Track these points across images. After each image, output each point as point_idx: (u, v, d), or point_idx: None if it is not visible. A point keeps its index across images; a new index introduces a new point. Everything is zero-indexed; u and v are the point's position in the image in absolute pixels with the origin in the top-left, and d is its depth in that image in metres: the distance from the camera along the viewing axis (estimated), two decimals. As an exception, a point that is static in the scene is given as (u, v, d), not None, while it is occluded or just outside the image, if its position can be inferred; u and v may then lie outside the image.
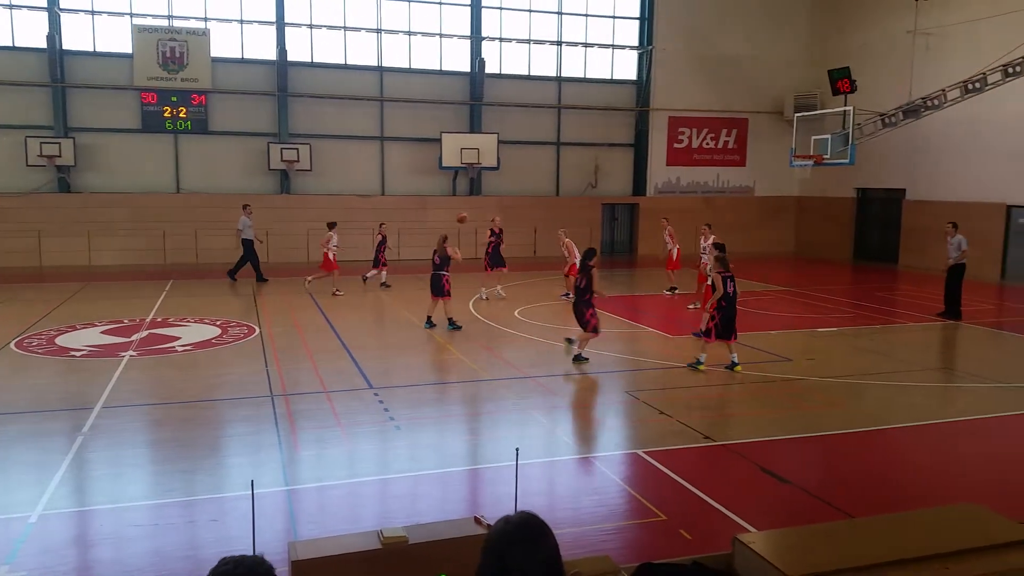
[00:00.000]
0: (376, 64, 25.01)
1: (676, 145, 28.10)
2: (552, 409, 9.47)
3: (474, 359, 11.88)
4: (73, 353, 11.87)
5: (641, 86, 27.60)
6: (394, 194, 25.47)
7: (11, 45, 22.00)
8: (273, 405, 9.27)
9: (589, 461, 7.61)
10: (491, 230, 18.04)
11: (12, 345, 12.21)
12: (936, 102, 20.60)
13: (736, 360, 11.08)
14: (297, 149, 23.80)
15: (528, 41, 26.37)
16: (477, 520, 4.38)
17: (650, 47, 27.15)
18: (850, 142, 21.42)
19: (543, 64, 26.77)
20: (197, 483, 7.07)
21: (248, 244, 19.55)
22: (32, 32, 22.10)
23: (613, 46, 27.29)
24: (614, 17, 27.22)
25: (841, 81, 22.12)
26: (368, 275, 18.82)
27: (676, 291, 17.97)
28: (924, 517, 3.48)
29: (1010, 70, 18.89)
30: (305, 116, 24.45)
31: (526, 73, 26.53)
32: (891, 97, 22.84)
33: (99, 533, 6.20)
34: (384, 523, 5.89)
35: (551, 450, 8.11)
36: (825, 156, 22.14)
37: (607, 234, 27.96)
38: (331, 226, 18.16)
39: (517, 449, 5.07)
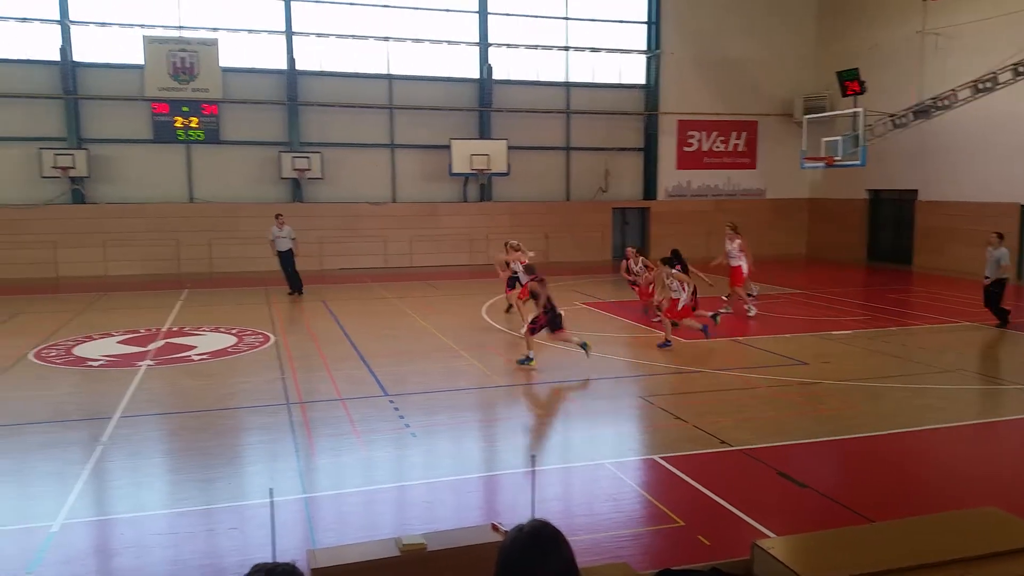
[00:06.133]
0: (385, 72, 25.12)
1: (686, 148, 28.09)
2: (567, 415, 9.48)
3: (488, 365, 11.90)
4: (91, 363, 11.97)
5: (650, 90, 27.61)
6: (405, 201, 25.56)
7: (25, 58, 22.23)
8: (289, 413, 9.32)
9: (605, 467, 7.61)
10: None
11: (31, 356, 12.32)
12: (947, 102, 20.53)
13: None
14: (308, 158, 23.92)
15: (536, 47, 26.42)
16: (495, 527, 4.41)
17: (658, 51, 27.16)
18: (860, 143, 21.36)
19: (551, 69, 26.82)
20: (216, 492, 7.12)
21: (279, 255, 18.80)
22: (44, 45, 22.32)
23: (621, 50, 27.31)
24: (621, 22, 27.25)
25: (850, 82, 22.08)
26: None
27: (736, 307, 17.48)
28: (943, 521, 3.48)
29: (1020, 69, 18.80)
30: (315, 125, 24.58)
31: (534, 79, 26.59)
32: (901, 98, 22.76)
33: (120, 542, 6.25)
34: (401, 531, 5.91)
35: (567, 456, 8.12)
36: (836, 158, 22.09)
37: (618, 238, 27.94)
38: (735, 228, 16.42)
39: (534, 455, 5.09)
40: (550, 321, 11.46)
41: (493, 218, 25.79)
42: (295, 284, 18.89)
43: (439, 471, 7.64)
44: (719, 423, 8.82)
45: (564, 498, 7.02)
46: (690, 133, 28.03)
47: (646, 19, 27.40)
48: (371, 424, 9.00)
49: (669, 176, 28.01)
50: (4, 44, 22.06)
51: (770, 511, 6.52)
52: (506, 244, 16.20)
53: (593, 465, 7.73)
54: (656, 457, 7.83)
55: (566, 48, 26.72)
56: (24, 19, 22.10)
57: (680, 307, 13.22)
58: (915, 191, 24.68)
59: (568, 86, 26.88)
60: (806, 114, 25.30)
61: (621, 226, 28.19)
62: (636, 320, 15.52)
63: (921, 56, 22.94)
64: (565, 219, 26.54)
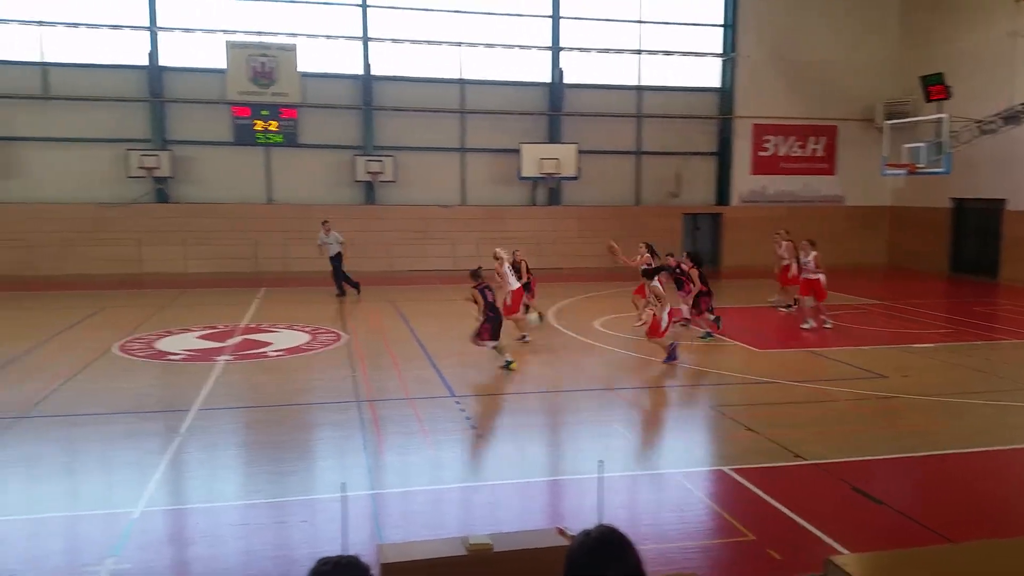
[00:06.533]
0: (457, 77, 25.37)
1: (761, 153, 27.50)
2: (634, 422, 9.39)
3: (555, 369, 11.88)
4: (171, 357, 12.42)
5: (724, 93, 27.15)
6: (474, 204, 25.75)
7: (115, 63, 23.24)
8: (359, 410, 9.48)
9: (672, 476, 7.50)
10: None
11: (115, 349, 12.85)
12: (1041, 107, 19.59)
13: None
14: (382, 161, 24.32)
15: (608, 51, 26.30)
16: (560, 531, 4.40)
17: (733, 54, 26.69)
18: (945, 150, 20.57)
19: (623, 73, 26.64)
20: (287, 485, 7.30)
21: (330, 260, 19.25)
22: (134, 50, 23.31)
23: (695, 54, 26.94)
24: (696, 24, 26.88)
25: (934, 87, 21.31)
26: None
27: (792, 308, 17.05)
28: (1022, 545, 3.32)
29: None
30: (389, 128, 24.98)
31: (606, 82, 26.46)
32: (989, 103, 21.79)
33: (195, 531, 6.46)
34: (466, 530, 5.95)
35: (633, 464, 8.03)
36: (918, 165, 21.32)
37: (689, 244, 27.52)
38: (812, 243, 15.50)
39: (601, 461, 5.03)
40: (492, 329, 11.48)
41: (561, 222, 25.75)
42: (342, 287, 19.20)
43: (503, 473, 7.66)
44: (792, 435, 8.58)
45: (630, 506, 6.94)
46: (766, 137, 27.43)
47: (722, 22, 26.96)
48: (438, 424, 9.08)
49: (743, 181, 27.47)
50: (97, 50, 23.11)
51: (844, 527, 6.30)
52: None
53: (660, 474, 7.63)
54: (726, 468, 7.67)
55: (639, 52, 26.50)
56: (115, 26, 23.09)
57: (662, 326, 11.73)
58: (1003, 200, 23.59)
59: (640, 89, 26.65)
60: (888, 119, 24.50)
61: (692, 232, 27.78)
62: (708, 328, 15.24)
63: (1012, 59, 21.93)
64: (634, 224, 26.25)
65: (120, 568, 5.53)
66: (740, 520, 6.42)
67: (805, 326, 15.16)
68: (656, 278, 12.21)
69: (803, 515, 6.46)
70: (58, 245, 22.63)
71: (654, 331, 11.90)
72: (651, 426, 9.31)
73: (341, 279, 19.29)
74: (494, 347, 11.65)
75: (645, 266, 12.99)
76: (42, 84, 22.54)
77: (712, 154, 27.55)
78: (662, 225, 26.53)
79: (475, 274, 11.56)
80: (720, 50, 27.05)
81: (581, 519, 6.14)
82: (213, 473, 7.70)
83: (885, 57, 27.29)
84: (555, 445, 8.85)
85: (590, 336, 14.30)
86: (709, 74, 27.31)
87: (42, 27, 22.61)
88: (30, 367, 11.61)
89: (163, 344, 13.29)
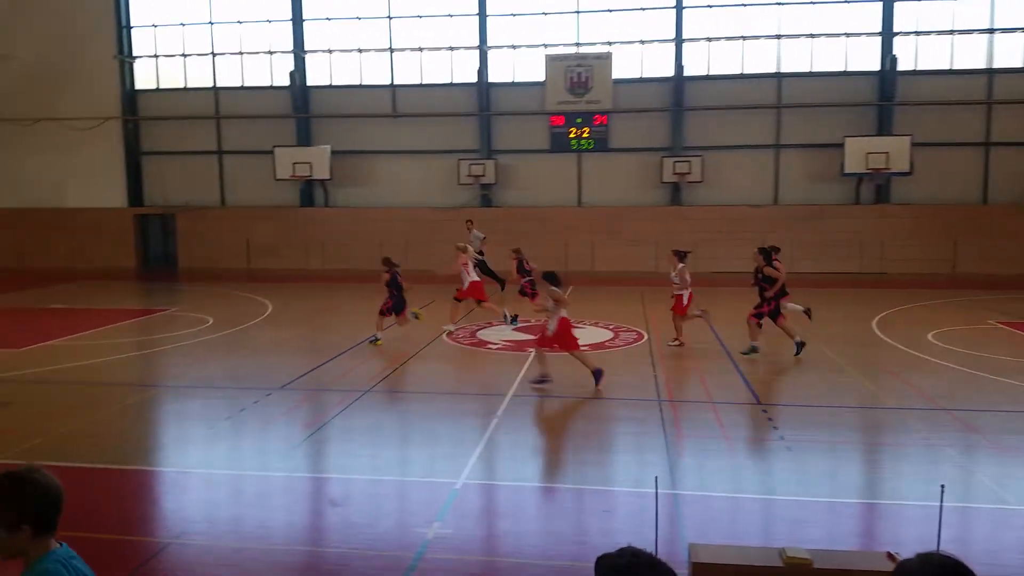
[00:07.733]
0: (774, 71, 24.28)
1: None
2: (972, 448, 8.26)
3: (875, 383, 10.88)
4: (490, 346, 13.51)
5: (1107, 71, 22.83)
6: (788, 204, 24.45)
7: (449, 82, 25.79)
8: (660, 410, 9.50)
9: (1020, 514, 6.48)
10: None
11: (444, 336, 14.25)
12: None
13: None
14: (689, 162, 24.11)
15: (950, 32, 23.41)
16: (890, 556, 4.05)
17: (1121, 23, 22.33)
18: None
19: (969, 56, 23.55)
20: (589, 474, 7.56)
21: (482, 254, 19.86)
22: (465, 69, 25.66)
23: (1067, 26, 23.00)
24: (1069, -8, 22.93)
25: None
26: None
27: None
28: None
29: None
30: (698, 128, 24.67)
31: (947, 67, 23.59)
32: None
33: (505, 506, 6.95)
34: (769, 542, 5.70)
35: (967, 495, 7.08)
36: None
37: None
38: None
39: (943, 486, 4.53)
40: (394, 305, 13.45)
41: (890, 222, 23.48)
42: (501, 280, 19.68)
43: (813, 489, 7.17)
44: None
45: (960, 540, 6.12)
46: None
47: (1104, -15, 22.70)
48: (741, 431, 8.80)
49: None
50: (435, 71, 25.86)
51: None
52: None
53: (1004, 509, 6.64)
54: (1093, 511, 6.46)
55: (990, 31, 23.26)
56: (452, 47, 25.56)
57: (551, 335, 10.27)
58: None
59: (991, 72, 23.38)
60: None
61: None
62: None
63: None
64: (980, 225, 23.13)
65: (443, 533, 6.11)
66: (1112, 575, 5.37)
67: None
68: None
69: None
70: (403, 244, 25.65)
71: (546, 340, 10.44)
72: (994, 454, 8.12)
73: (491, 274, 19.77)
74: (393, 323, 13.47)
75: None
76: (391, 104, 25.72)
77: (1087, 143, 23.30)
78: (1015, 227, 23.05)
79: (387, 261, 13.79)
80: (1102, 19, 22.80)
81: (904, 548, 5.57)
82: (523, 455, 8.22)
83: None
84: (873, 465, 8.09)
85: (922, 349, 12.86)
86: (1084, 49, 23.16)
87: (518, 50, 25.72)
88: (376, 348, 13.29)
89: (484, 334, 14.47)
